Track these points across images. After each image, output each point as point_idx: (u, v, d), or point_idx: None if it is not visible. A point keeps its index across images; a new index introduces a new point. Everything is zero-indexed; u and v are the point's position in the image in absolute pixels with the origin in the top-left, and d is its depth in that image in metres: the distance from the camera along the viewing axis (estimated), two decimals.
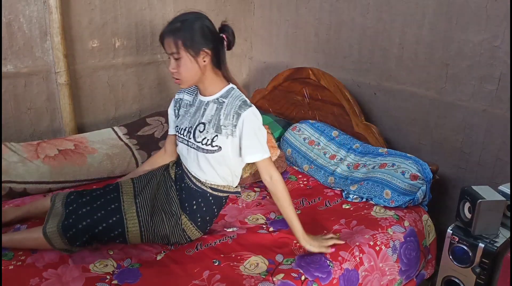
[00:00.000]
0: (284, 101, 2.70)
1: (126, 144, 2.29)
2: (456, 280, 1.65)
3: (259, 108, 2.83)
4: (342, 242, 1.62)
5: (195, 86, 1.65)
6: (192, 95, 1.69)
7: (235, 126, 1.54)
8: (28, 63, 2.31)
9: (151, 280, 1.43)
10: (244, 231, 1.73)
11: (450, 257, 1.65)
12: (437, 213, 2.07)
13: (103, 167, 2.15)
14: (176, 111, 1.72)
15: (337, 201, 2.01)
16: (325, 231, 1.74)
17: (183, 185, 1.64)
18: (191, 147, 1.61)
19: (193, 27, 1.48)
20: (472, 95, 1.96)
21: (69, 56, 2.38)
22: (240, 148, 1.57)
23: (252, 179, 2.16)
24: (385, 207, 1.91)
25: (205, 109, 1.60)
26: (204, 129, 1.57)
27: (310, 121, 2.46)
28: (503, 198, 1.56)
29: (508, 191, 1.61)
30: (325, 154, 2.27)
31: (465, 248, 1.59)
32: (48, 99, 2.42)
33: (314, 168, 2.25)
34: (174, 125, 1.74)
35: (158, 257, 1.56)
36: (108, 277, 1.43)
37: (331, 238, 1.62)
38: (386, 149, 2.13)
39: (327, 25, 2.54)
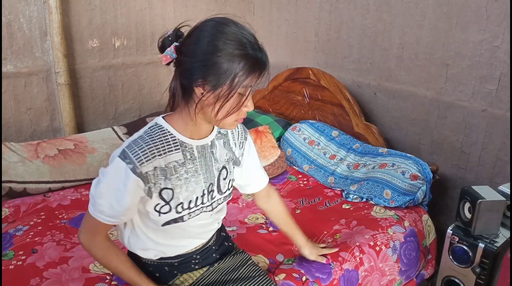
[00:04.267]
0: (284, 101, 2.70)
1: None
2: (456, 280, 1.65)
3: (259, 108, 2.86)
4: (335, 250, 1.58)
5: (179, 134, 1.16)
6: (177, 151, 1.14)
7: (243, 153, 1.33)
8: (28, 63, 2.31)
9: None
10: (244, 231, 1.73)
11: (450, 257, 1.65)
12: (437, 213, 2.07)
13: (103, 166, 2.14)
14: (151, 188, 1.11)
15: (337, 201, 2.01)
16: (326, 238, 1.74)
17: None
18: (215, 208, 1.25)
19: None
20: (472, 95, 1.96)
21: (69, 56, 2.38)
22: (245, 174, 1.37)
23: None
24: (385, 207, 1.91)
25: (212, 152, 1.21)
26: (227, 173, 1.25)
27: (310, 121, 2.46)
28: (503, 198, 1.56)
29: (508, 191, 1.61)
30: (325, 154, 2.27)
31: (465, 248, 1.59)
32: (48, 99, 2.41)
33: (314, 168, 2.25)
34: (146, 207, 1.14)
35: None
36: (108, 277, 1.43)
37: (323, 248, 1.58)
38: (386, 149, 2.13)
39: (327, 25, 2.54)
